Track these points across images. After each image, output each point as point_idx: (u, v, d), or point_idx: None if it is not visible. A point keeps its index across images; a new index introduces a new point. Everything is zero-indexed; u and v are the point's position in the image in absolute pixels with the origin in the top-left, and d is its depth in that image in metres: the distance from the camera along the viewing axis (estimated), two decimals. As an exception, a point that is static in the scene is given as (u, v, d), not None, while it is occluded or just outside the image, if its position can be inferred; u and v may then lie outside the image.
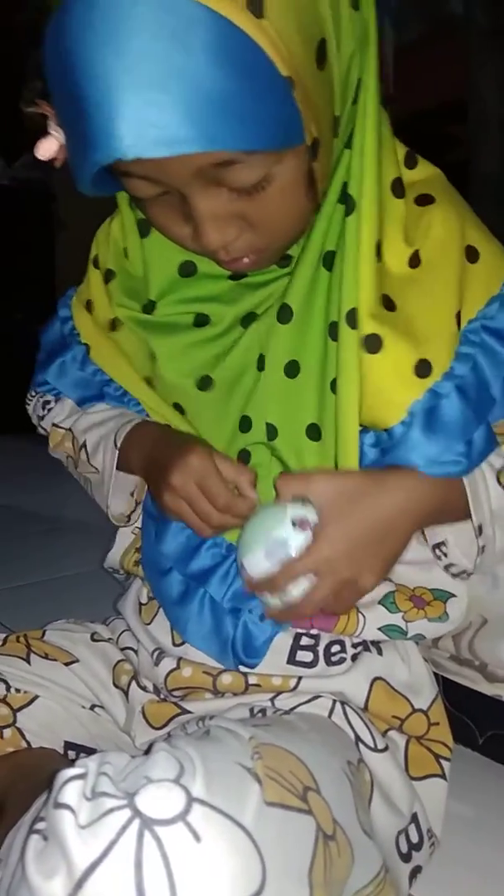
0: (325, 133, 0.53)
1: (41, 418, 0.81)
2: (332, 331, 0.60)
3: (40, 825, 0.40)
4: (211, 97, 0.45)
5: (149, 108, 0.45)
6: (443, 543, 0.63)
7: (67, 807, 0.39)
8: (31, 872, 0.38)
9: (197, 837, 0.38)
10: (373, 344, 0.57)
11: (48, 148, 0.56)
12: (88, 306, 0.74)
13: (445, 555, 0.63)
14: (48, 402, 0.80)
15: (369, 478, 0.58)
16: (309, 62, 0.49)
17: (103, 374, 0.74)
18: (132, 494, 0.73)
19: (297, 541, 0.57)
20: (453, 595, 0.65)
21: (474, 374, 0.59)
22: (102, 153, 0.47)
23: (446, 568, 0.64)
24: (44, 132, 0.55)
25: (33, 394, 0.81)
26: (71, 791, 0.40)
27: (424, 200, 0.62)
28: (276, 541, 0.57)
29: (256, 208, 0.53)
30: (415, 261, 0.60)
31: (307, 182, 0.54)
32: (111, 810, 0.38)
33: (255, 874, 0.39)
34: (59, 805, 0.39)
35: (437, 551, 0.63)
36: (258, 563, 0.58)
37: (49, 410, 0.79)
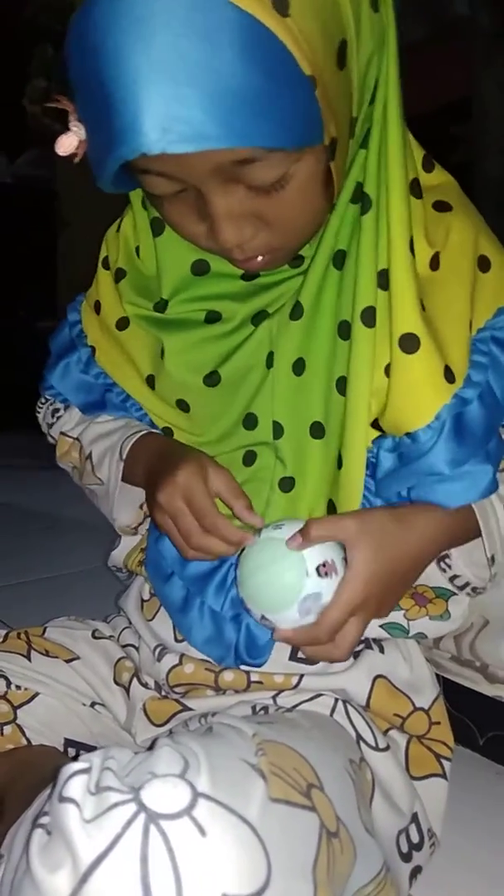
0: (343, 133, 0.53)
1: (50, 426, 0.80)
2: (342, 329, 0.60)
3: (44, 819, 0.40)
4: (236, 93, 0.45)
5: (174, 103, 0.45)
6: (447, 556, 0.63)
7: (72, 801, 0.39)
8: (36, 866, 0.38)
9: (202, 832, 0.38)
10: (410, 343, 0.56)
11: (68, 144, 0.54)
12: (97, 307, 0.73)
13: (450, 566, 0.64)
14: (57, 411, 0.79)
15: (394, 516, 0.59)
16: (330, 62, 0.49)
17: (106, 377, 0.73)
18: (141, 507, 0.73)
19: (329, 589, 0.56)
20: (455, 593, 0.66)
21: (488, 384, 0.59)
22: (127, 148, 0.47)
23: (451, 580, 0.64)
24: (63, 127, 0.54)
25: (43, 400, 0.81)
26: (75, 785, 0.40)
27: (442, 207, 0.62)
28: (309, 597, 0.56)
29: (273, 207, 0.53)
30: (435, 263, 0.60)
31: (324, 181, 0.54)
32: (116, 804, 0.38)
33: (260, 869, 0.39)
34: (63, 799, 0.39)
35: (442, 563, 0.64)
36: (293, 620, 0.57)
37: (58, 419, 0.79)
